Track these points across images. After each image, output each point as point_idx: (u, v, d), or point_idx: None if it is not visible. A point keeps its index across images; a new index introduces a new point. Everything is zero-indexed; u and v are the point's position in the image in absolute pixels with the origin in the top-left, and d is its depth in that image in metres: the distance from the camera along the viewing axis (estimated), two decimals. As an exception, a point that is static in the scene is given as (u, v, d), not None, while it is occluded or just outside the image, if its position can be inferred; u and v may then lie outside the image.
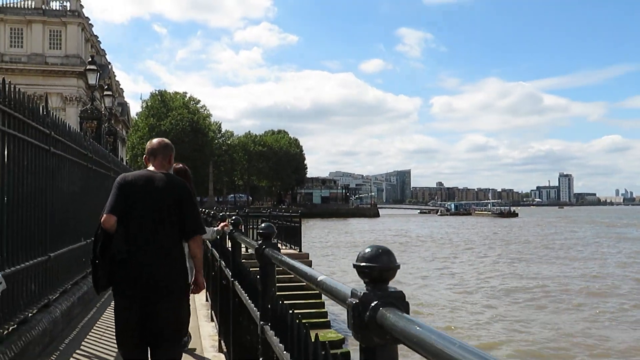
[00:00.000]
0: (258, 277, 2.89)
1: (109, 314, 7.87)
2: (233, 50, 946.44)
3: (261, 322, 2.65)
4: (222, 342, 5.73)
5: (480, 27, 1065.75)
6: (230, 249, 4.35)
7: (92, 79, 20.08)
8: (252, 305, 3.09)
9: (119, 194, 3.90)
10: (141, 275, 3.74)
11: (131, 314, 3.85)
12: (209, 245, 7.54)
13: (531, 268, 30.48)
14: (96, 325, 7.19)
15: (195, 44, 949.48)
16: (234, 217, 4.37)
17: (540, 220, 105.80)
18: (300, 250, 18.08)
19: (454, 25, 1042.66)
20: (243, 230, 7.83)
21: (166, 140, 4.43)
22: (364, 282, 1.17)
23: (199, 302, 8.87)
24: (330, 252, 37.61)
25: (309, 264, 18.40)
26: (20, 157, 5.37)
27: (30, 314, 5.62)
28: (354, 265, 1.18)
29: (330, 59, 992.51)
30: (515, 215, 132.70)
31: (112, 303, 8.67)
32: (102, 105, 24.89)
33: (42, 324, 5.66)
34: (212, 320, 7.39)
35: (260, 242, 2.67)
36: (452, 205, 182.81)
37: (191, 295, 8.52)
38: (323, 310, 16.59)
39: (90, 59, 20.69)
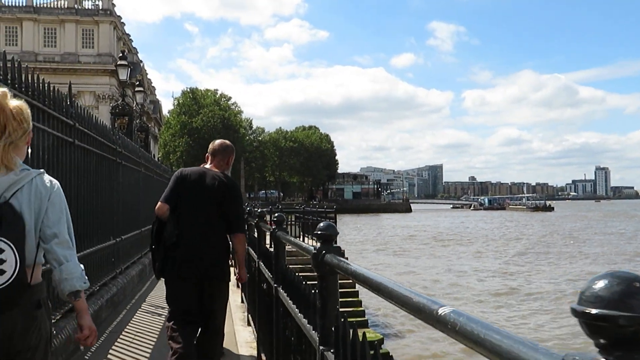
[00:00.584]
0: (314, 291, 2.34)
1: (141, 316, 7.42)
2: (263, 47, 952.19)
3: (321, 348, 2.09)
4: (261, 352, 5.19)
5: (514, 19, 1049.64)
6: (272, 249, 3.79)
7: (123, 75, 19.78)
8: (305, 321, 2.53)
9: (174, 186, 4.37)
10: (190, 259, 4.20)
11: (182, 293, 4.26)
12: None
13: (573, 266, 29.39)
14: (126, 329, 6.72)
15: (226, 41, 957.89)
16: (276, 214, 3.82)
17: (577, 215, 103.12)
18: (335, 247, 17.50)
19: (486, 18, 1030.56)
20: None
21: (227, 142, 4.81)
22: (597, 345, 0.59)
23: (234, 304, 8.36)
24: (364, 248, 36.93)
25: (345, 261, 17.82)
26: (40, 149, 4.91)
27: (52, 321, 5.15)
28: (575, 312, 0.60)
29: (361, 54, 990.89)
30: (551, 209, 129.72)
31: (143, 305, 8.23)
32: (134, 101, 24.65)
33: (66, 331, 5.20)
34: (248, 324, 6.87)
35: (319, 246, 2.10)
36: (486, 200, 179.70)
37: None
38: (360, 308, 16.01)
39: (120, 55, 20.42)
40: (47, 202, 2.46)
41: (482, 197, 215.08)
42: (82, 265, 2.59)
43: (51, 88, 5.03)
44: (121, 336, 6.40)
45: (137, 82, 25.87)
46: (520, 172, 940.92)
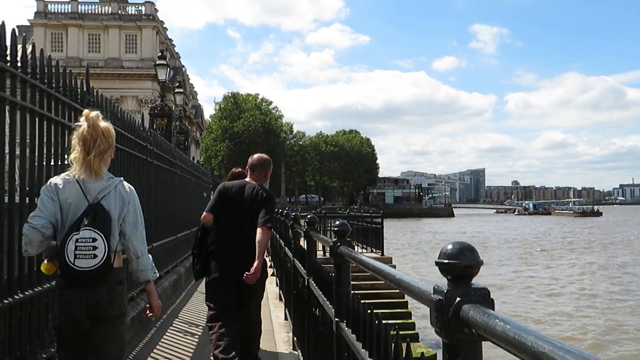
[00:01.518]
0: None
1: (171, 337, 6.54)
2: (304, 52, 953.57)
3: None
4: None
5: (558, 20, 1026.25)
6: (333, 272, 2.79)
7: (162, 75, 19.18)
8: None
9: (217, 198, 4.87)
10: (230, 262, 4.65)
11: (221, 292, 4.68)
12: (290, 254, 6.08)
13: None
14: (153, 353, 5.84)
15: (268, 47, 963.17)
16: (338, 223, 2.83)
17: (631, 221, 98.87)
18: (382, 254, 16.47)
19: (530, 19, 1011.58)
20: (319, 231, 6.53)
21: (265, 156, 5.18)
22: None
23: (277, 321, 7.40)
24: (406, 253, 35.42)
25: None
26: (46, 142, 4.09)
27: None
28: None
29: (402, 57, 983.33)
30: (599, 214, 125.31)
31: (175, 321, 7.35)
32: (174, 103, 24.09)
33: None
34: (294, 348, 5.91)
35: (447, 289, 1.13)
36: (531, 205, 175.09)
37: (267, 312, 7.08)
38: (410, 320, 14.89)
39: (160, 54, 19.85)
40: (128, 205, 3.11)
41: (527, 202, 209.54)
42: (151, 257, 3.27)
43: (56, 64, 4.16)
44: (148, 361, 5.53)
45: (177, 84, 25.30)
46: (565, 176, 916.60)
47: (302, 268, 4.65)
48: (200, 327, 6.93)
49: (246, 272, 4.46)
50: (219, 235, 4.71)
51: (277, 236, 9.31)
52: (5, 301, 3.52)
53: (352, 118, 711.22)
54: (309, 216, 4.61)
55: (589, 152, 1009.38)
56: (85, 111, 3.13)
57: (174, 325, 7.09)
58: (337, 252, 2.62)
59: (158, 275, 3.30)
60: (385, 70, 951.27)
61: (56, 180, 3.06)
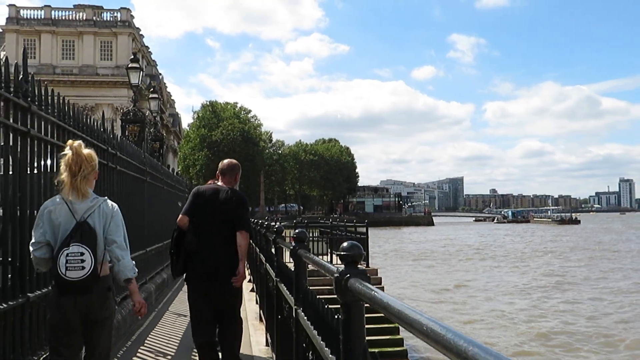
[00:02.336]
0: None
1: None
2: (284, 61, 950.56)
3: None
4: None
5: (535, 30, 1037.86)
6: (340, 314, 1.95)
7: (134, 79, 18.21)
8: None
9: (192, 201, 5.17)
10: (208, 261, 4.95)
11: (202, 292, 4.95)
12: (272, 273, 5.25)
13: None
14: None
15: (247, 56, 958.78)
16: (346, 244, 1.98)
17: (607, 228, 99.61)
18: (367, 265, 15.68)
19: (507, 29, 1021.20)
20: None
21: (234, 161, 5.48)
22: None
23: (257, 347, 6.47)
24: (389, 263, 34.61)
25: (379, 281, 15.87)
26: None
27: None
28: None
29: (381, 67, 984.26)
30: (577, 222, 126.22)
31: (140, 349, 6.44)
32: (148, 109, 23.09)
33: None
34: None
35: None
36: (510, 213, 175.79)
37: (246, 335, 6.22)
38: (398, 336, 14.12)
39: (132, 57, 18.90)
40: (110, 219, 3.55)
41: (506, 210, 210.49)
42: (133, 262, 3.68)
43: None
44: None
45: (152, 89, 24.32)
46: (543, 184, 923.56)
47: (289, 294, 3.81)
48: (169, 357, 6.04)
49: (233, 278, 4.89)
50: (196, 236, 4.95)
51: (257, 250, 8.47)
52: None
53: (331, 127, 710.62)
54: (296, 230, 3.71)
55: (566, 161, 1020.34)
56: (69, 141, 3.54)
57: (139, 354, 6.15)
58: (347, 288, 1.78)
59: (137, 273, 3.66)
60: (364, 80, 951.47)
61: (47, 203, 3.52)
